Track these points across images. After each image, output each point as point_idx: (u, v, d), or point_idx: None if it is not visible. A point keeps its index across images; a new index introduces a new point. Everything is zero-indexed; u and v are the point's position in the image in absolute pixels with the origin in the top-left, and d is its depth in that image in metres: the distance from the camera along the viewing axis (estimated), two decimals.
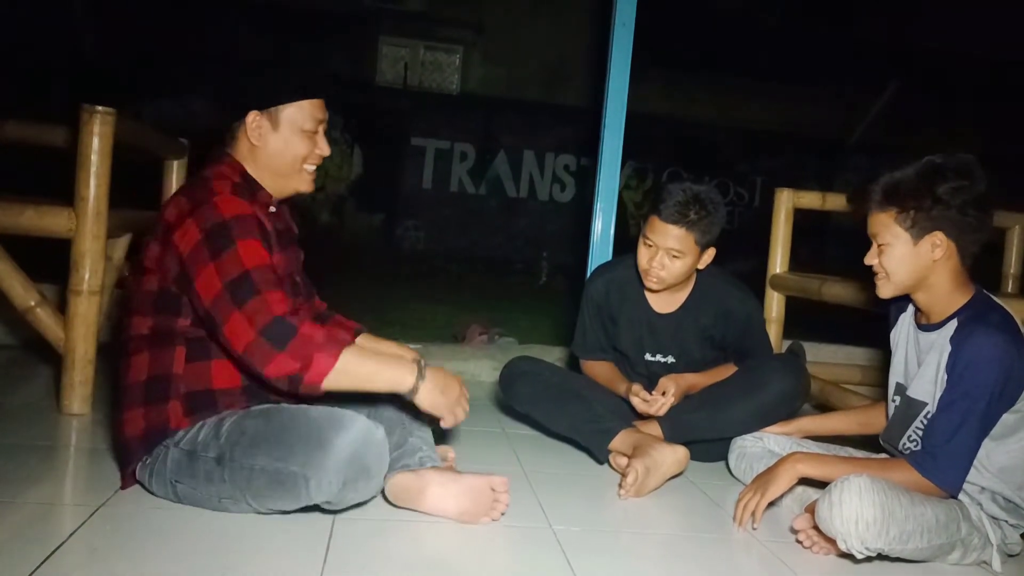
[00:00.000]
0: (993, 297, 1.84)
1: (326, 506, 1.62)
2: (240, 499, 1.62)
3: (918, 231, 1.76)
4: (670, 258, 2.27)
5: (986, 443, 1.75)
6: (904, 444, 1.90)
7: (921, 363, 1.87)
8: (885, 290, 1.86)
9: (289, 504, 1.59)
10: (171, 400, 1.67)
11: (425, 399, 1.63)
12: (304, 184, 1.83)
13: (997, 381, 1.69)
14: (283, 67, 1.74)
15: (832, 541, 1.71)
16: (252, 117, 1.75)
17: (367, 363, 1.59)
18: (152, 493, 1.72)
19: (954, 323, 1.79)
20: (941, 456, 1.72)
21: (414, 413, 1.91)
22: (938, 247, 1.76)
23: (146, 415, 1.68)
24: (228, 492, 1.62)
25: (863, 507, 1.61)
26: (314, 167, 1.83)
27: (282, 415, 1.61)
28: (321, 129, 1.80)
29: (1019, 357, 1.71)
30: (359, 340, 2.01)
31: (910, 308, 1.96)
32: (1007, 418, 1.74)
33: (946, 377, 1.76)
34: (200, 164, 1.81)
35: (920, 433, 1.84)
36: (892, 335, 2.03)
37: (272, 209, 1.81)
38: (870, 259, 1.86)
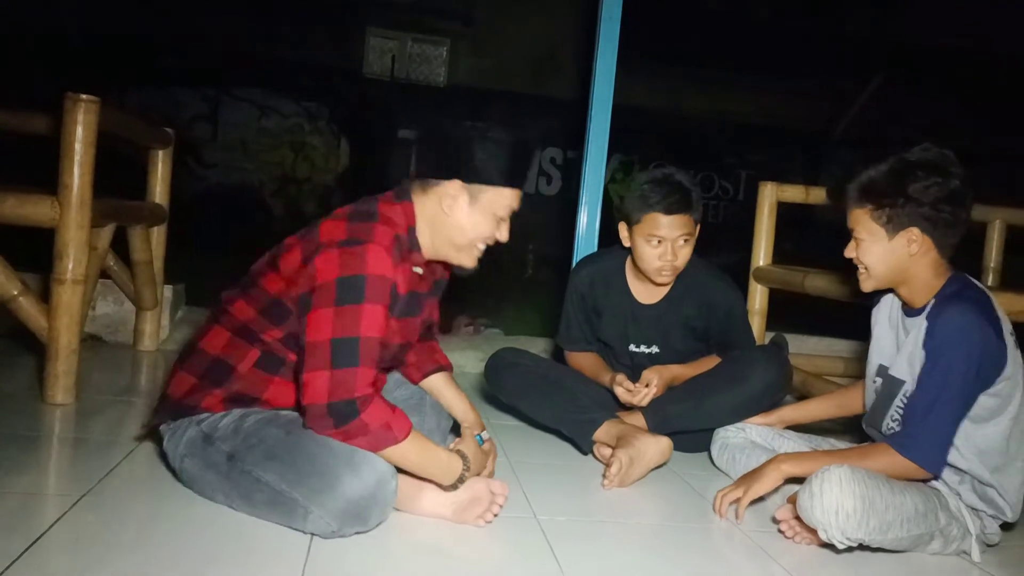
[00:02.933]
0: (972, 280, 1.86)
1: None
2: (235, 499, 1.62)
3: (893, 227, 1.78)
4: (680, 246, 2.30)
5: (965, 425, 1.77)
6: (887, 425, 1.92)
7: (901, 345, 1.90)
8: (867, 284, 1.88)
9: (281, 523, 1.59)
10: (220, 388, 1.68)
11: (455, 505, 1.70)
12: (470, 261, 1.80)
13: (971, 355, 1.71)
14: (502, 147, 1.73)
15: (813, 531, 1.73)
16: (456, 187, 1.71)
17: (409, 459, 1.60)
18: (163, 460, 1.74)
19: (932, 303, 1.82)
20: (920, 435, 1.74)
21: (436, 420, 2.00)
22: (914, 242, 1.78)
23: (195, 388, 1.69)
24: (227, 489, 1.62)
25: (843, 497, 1.62)
26: (484, 248, 1.81)
27: (305, 434, 1.57)
28: (509, 216, 1.78)
29: (993, 335, 1.73)
30: (435, 380, 2.08)
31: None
32: (986, 401, 1.76)
33: (923, 354, 1.78)
34: (377, 178, 1.76)
35: (901, 411, 1.87)
36: (873, 313, 2.04)
37: (418, 271, 1.78)
38: (849, 252, 1.89)
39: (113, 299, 3.46)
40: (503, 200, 1.74)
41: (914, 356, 1.83)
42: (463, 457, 1.69)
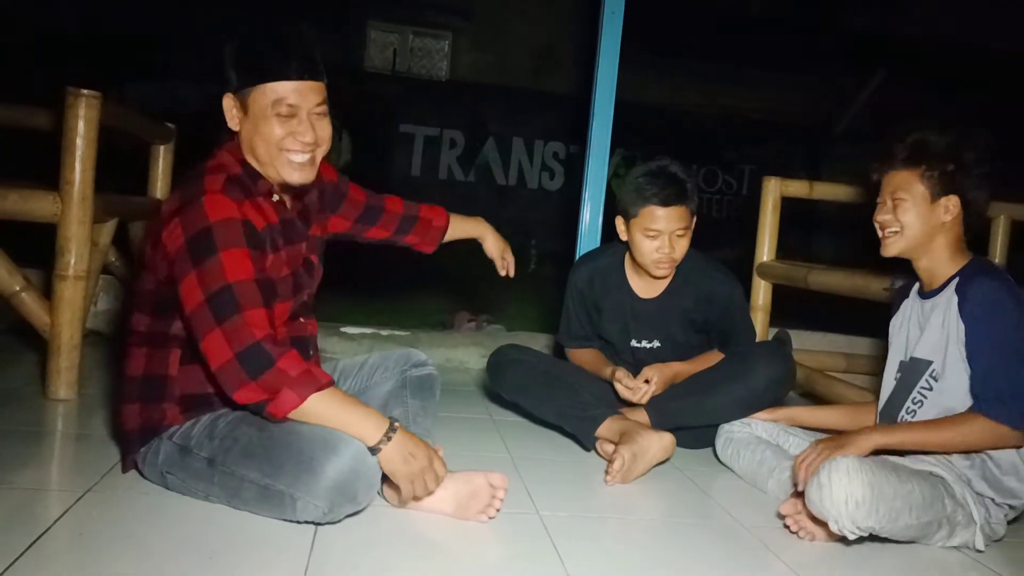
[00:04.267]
0: (989, 261, 1.91)
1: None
2: (226, 500, 1.62)
3: (937, 191, 1.85)
4: (677, 238, 2.31)
5: None
6: (902, 416, 1.93)
7: (924, 328, 1.92)
8: (894, 246, 1.91)
9: (276, 517, 1.58)
10: (166, 401, 1.67)
11: (384, 463, 1.55)
12: (288, 172, 1.66)
13: (1020, 314, 1.76)
14: (247, 43, 1.62)
15: (821, 524, 1.72)
16: (226, 101, 1.64)
17: (333, 412, 1.53)
18: (146, 479, 1.72)
19: (956, 280, 1.86)
20: (1008, 399, 1.73)
21: (421, 402, 1.92)
22: (950, 211, 1.85)
23: (142, 411, 1.67)
24: (216, 493, 1.62)
25: (852, 486, 1.62)
26: (302, 155, 1.66)
27: (276, 429, 1.56)
28: (304, 112, 1.64)
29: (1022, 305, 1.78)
30: (450, 232, 2.20)
31: (912, 292, 2.01)
32: None
33: (963, 327, 1.80)
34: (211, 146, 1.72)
35: (924, 393, 1.89)
36: (893, 322, 2.06)
37: (276, 198, 1.71)
38: (884, 214, 1.91)
39: (115, 295, 3.46)
40: (265, 98, 1.61)
41: (941, 333, 1.86)
42: (393, 418, 1.60)
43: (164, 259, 1.59)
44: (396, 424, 1.57)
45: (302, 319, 1.83)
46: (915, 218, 1.87)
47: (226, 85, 1.64)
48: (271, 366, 1.48)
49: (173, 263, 1.56)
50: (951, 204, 1.85)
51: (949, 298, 1.85)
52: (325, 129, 1.69)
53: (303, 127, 1.65)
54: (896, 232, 1.90)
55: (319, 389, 1.51)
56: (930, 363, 1.88)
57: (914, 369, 1.92)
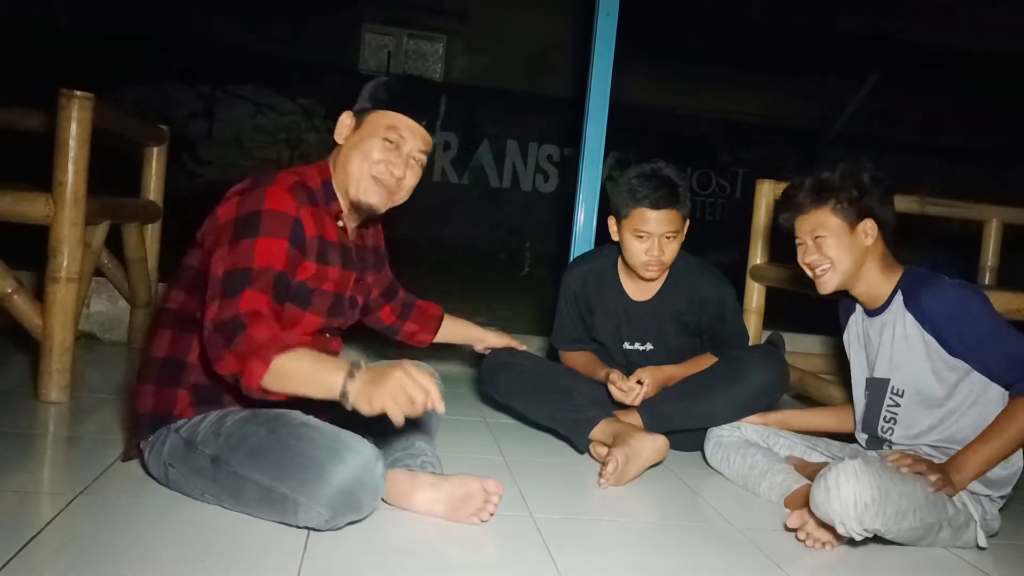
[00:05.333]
0: (918, 269, 1.98)
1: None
2: (225, 499, 1.62)
3: (852, 219, 1.93)
4: (667, 241, 2.31)
5: (974, 399, 1.87)
6: (882, 426, 1.99)
7: (878, 347, 1.98)
8: (830, 282, 1.97)
9: (275, 520, 1.58)
10: (180, 388, 1.68)
11: (358, 398, 1.40)
12: (369, 195, 1.76)
13: (983, 300, 1.85)
14: (388, 82, 1.81)
15: (828, 529, 1.73)
16: (344, 116, 1.79)
17: (300, 367, 1.44)
18: (147, 471, 1.73)
19: (898, 297, 1.94)
20: None
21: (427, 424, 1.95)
22: (869, 234, 1.93)
23: (156, 394, 1.68)
24: (216, 491, 1.62)
25: (860, 488, 1.63)
26: (383, 185, 1.76)
27: (285, 430, 1.56)
28: (406, 149, 1.77)
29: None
30: (444, 329, 2.36)
31: (857, 308, 2.08)
32: (978, 376, 1.86)
33: (932, 341, 1.87)
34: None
35: (894, 411, 1.96)
36: (844, 339, 2.15)
37: (341, 224, 1.79)
38: (809, 255, 1.98)
39: (107, 297, 3.45)
40: (383, 120, 1.75)
41: (895, 350, 1.93)
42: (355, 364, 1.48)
43: (213, 230, 1.64)
44: (360, 363, 1.44)
45: (328, 335, 1.86)
46: (842, 250, 1.94)
47: (353, 103, 1.80)
48: (243, 332, 1.47)
49: (217, 235, 1.61)
50: (868, 227, 1.93)
51: (898, 314, 1.93)
52: (413, 178, 1.82)
53: (399, 161, 1.77)
54: (827, 268, 1.96)
55: (283, 350, 1.44)
56: (887, 380, 1.95)
57: (877, 387, 2.00)
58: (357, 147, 1.76)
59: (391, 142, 1.76)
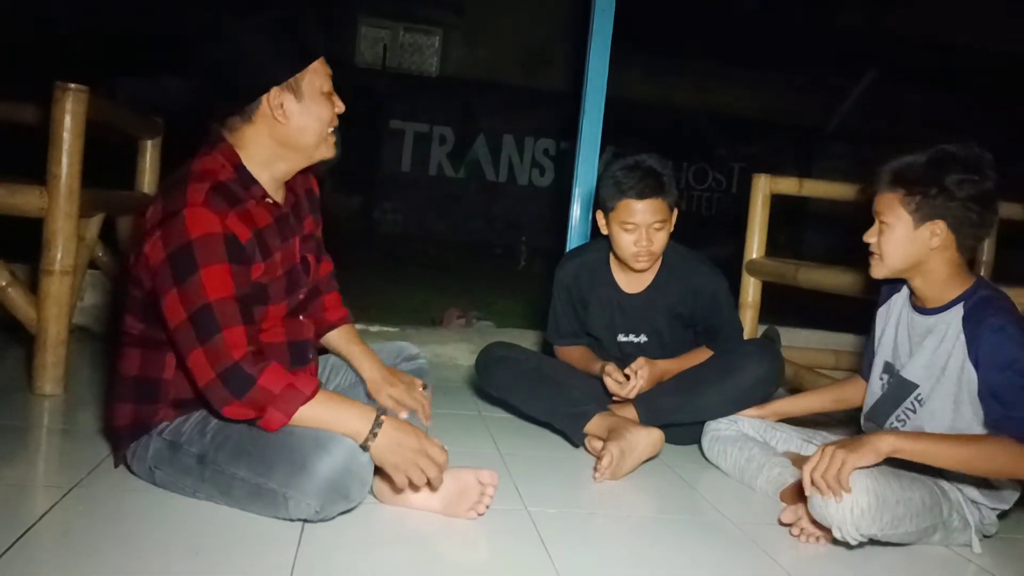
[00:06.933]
0: (994, 285, 1.85)
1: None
2: (216, 497, 1.62)
3: (920, 216, 1.77)
4: (655, 231, 2.30)
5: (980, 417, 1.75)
6: (891, 423, 1.92)
7: (915, 346, 1.87)
8: (878, 271, 1.87)
9: (268, 514, 1.58)
10: (160, 403, 1.66)
11: (382, 461, 1.56)
12: (330, 150, 1.74)
13: None
14: (276, 38, 1.67)
15: (824, 530, 1.72)
16: (275, 93, 1.64)
17: (322, 417, 1.54)
18: (134, 474, 1.72)
19: (958, 309, 1.79)
20: None
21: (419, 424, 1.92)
22: (936, 236, 1.77)
23: (135, 412, 1.67)
24: (207, 490, 1.62)
25: (858, 494, 1.62)
26: (333, 130, 1.74)
27: None
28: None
29: None
30: (338, 334, 1.99)
31: (905, 289, 1.96)
32: None
33: (973, 373, 1.73)
34: (192, 153, 1.71)
35: (908, 415, 1.87)
36: (880, 311, 2.02)
37: (269, 200, 1.71)
38: (869, 236, 1.87)
39: (102, 290, 3.44)
40: (319, 75, 1.69)
41: (934, 361, 1.81)
42: (380, 409, 1.60)
43: (147, 271, 1.59)
44: (382, 417, 1.56)
45: (301, 317, 1.83)
46: (896, 246, 1.80)
47: (350, 97, 1.72)
48: (253, 385, 1.49)
49: (155, 277, 1.56)
50: (937, 229, 1.76)
51: (951, 326, 1.78)
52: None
53: (337, 102, 1.73)
54: (877, 258, 1.85)
55: (304, 402, 1.52)
56: (916, 386, 1.86)
57: (902, 386, 1.90)
58: (311, 116, 1.67)
59: (330, 92, 1.71)
